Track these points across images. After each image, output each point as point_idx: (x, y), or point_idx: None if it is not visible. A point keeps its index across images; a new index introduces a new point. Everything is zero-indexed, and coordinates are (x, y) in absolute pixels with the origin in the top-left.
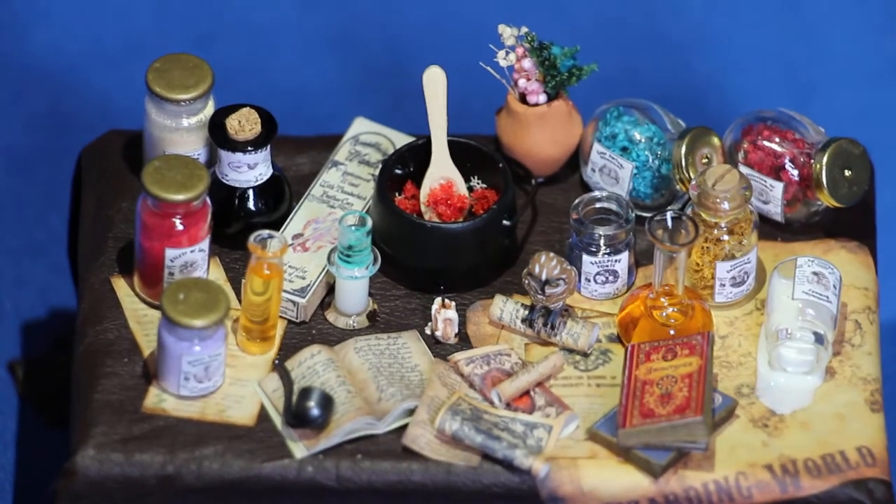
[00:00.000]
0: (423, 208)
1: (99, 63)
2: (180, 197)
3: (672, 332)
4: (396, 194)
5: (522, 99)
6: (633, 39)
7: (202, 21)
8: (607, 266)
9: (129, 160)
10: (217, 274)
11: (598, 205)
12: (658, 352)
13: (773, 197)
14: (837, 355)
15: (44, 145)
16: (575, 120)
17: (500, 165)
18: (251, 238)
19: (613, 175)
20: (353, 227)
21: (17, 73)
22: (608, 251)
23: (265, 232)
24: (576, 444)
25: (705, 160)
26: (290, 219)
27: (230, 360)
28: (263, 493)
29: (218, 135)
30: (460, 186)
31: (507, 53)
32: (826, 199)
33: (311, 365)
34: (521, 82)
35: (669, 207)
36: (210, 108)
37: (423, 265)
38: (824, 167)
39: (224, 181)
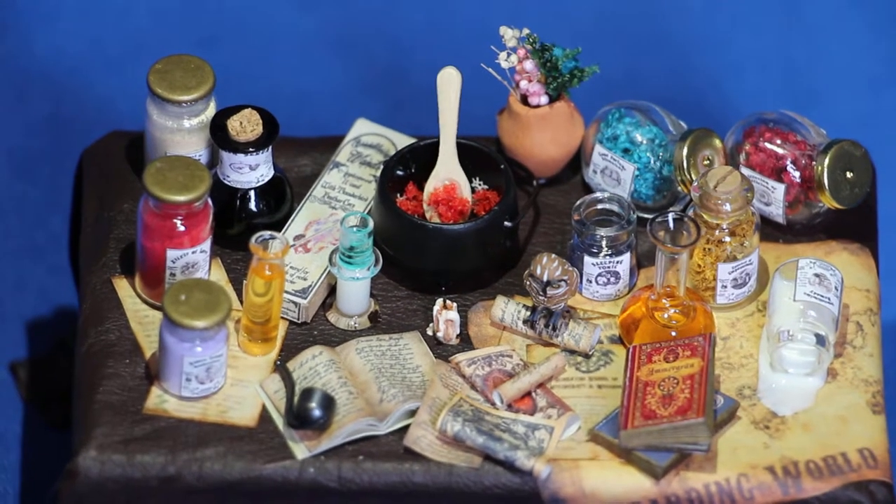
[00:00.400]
0: (425, 206)
1: (100, 64)
2: (182, 198)
3: (674, 334)
4: (398, 195)
5: (524, 100)
6: (634, 41)
7: (204, 23)
8: (609, 267)
9: (131, 161)
10: (218, 275)
11: (599, 206)
12: (660, 353)
13: (774, 199)
14: (839, 357)
15: (45, 147)
16: (576, 121)
17: (502, 167)
18: (253, 239)
19: (615, 176)
20: (354, 228)
21: (19, 75)
22: (610, 252)
23: (267, 233)
24: (577, 445)
25: (707, 162)
26: (292, 220)
27: (232, 361)
28: (265, 494)
29: (219, 136)
30: (463, 189)
31: (509, 55)
32: (828, 201)
33: (313, 366)
34: (523, 84)
35: (671, 209)
36: (211, 110)
37: (425, 266)
38: (826, 169)
39: (225, 182)
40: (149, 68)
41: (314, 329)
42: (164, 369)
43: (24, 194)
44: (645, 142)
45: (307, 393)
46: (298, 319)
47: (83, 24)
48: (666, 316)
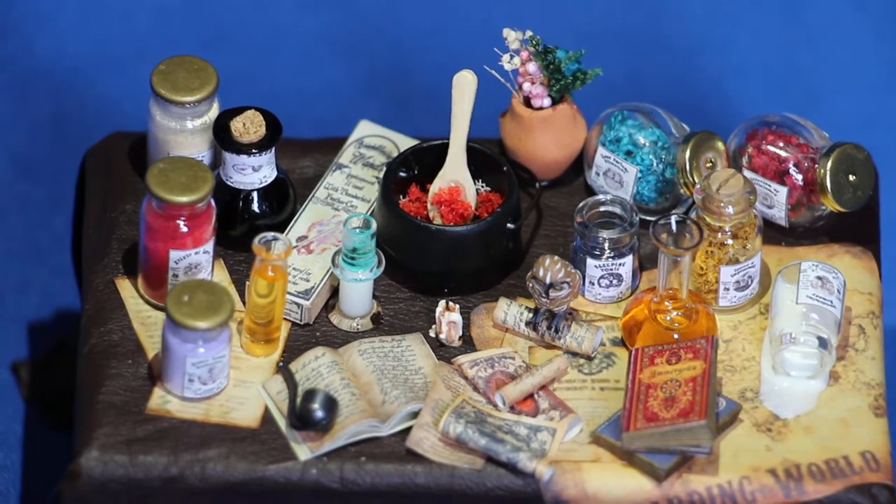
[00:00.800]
0: (428, 206)
1: (103, 65)
2: (185, 199)
3: (676, 336)
4: (401, 197)
5: (527, 102)
6: (637, 43)
7: (207, 23)
8: (611, 269)
9: (134, 162)
10: (221, 276)
11: (602, 208)
12: (662, 355)
13: (777, 201)
14: (841, 360)
15: (48, 147)
16: (579, 124)
17: (505, 169)
18: (255, 240)
19: (618, 179)
20: (357, 230)
21: (22, 76)
22: (612, 255)
23: (269, 234)
24: (579, 447)
25: (710, 164)
26: (295, 221)
27: (234, 362)
28: (267, 495)
29: (222, 137)
30: (468, 193)
31: (512, 57)
32: (830, 204)
33: (316, 367)
34: (526, 86)
35: (674, 211)
36: (215, 111)
37: (428, 268)
38: (828, 172)
39: (228, 183)
40: (152, 69)
41: (317, 330)
42: (166, 370)
43: (26, 195)
44: (648, 144)
45: (310, 394)
46: (301, 321)
47: (86, 25)
48: (668, 318)
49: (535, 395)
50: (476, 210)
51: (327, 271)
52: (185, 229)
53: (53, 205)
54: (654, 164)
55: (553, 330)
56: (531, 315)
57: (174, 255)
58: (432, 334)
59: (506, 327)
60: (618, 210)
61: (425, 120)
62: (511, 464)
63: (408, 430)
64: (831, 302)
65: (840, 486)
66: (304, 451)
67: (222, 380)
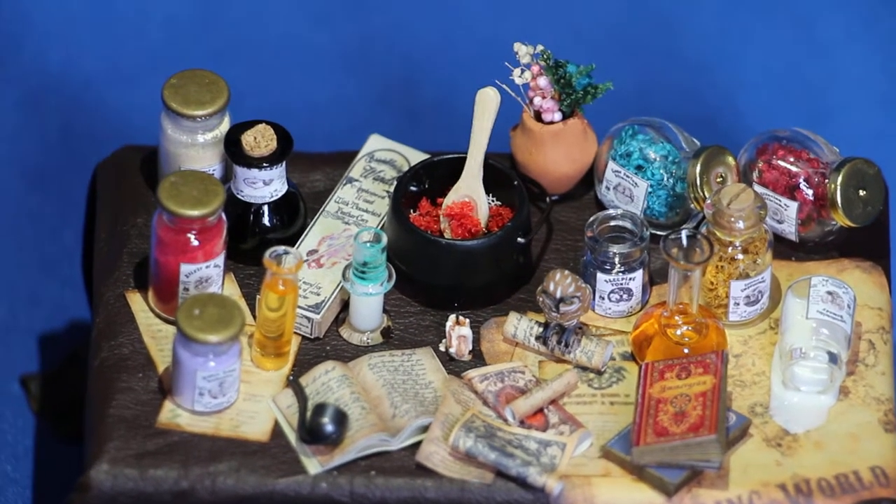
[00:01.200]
0: (441, 218)
1: (114, 79)
2: (196, 212)
3: (686, 351)
4: (411, 211)
5: (538, 117)
6: (648, 58)
7: (218, 38)
8: (622, 284)
9: (145, 175)
10: (232, 289)
11: (612, 223)
12: (672, 370)
13: (787, 216)
14: (851, 375)
15: (59, 161)
16: (590, 138)
17: (515, 183)
18: (266, 254)
19: (628, 193)
20: (368, 244)
21: (34, 90)
22: (623, 269)
23: (280, 248)
24: (589, 461)
25: (720, 179)
26: (305, 235)
27: (245, 376)
28: None
29: (233, 151)
30: (479, 209)
31: (523, 71)
32: (840, 219)
33: (326, 381)
34: (537, 100)
35: (684, 226)
36: (226, 124)
37: (438, 282)
38: (839, 187)
39: (239, 197)
40: (163, 83)
41: (327, 344)
42: (177, 384)
43: (37, 208)
44: (658, 159)
45: (320, 408)
46: (311, 335)
47: (97, 39)
48: (678, 333)
49: (545, 410)
50: (486, 224)
51: (338, 285)
52: (195, 243)
53: (64, 218)
54: (665, 179)
55: (563, 344)
56: (541, 329)
57: (185, 268)
58: (442, 348)
59: (516, 342)
60: (628, 225)
61: (436, 134)
62: (521, 478)
63: (418, 445)
64: (841, 317)
65: (850, 502)
66: (314, 465)
67: (233, 393)
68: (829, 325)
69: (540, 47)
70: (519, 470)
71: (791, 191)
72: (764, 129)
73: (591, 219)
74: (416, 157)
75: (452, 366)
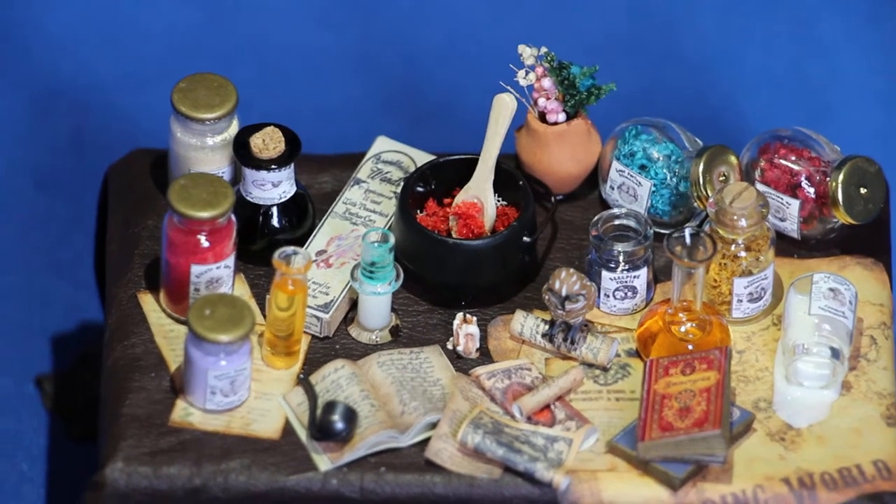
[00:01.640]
0: (450, 216)
1: (124, 83)
2: (206, 214)
3: (690, 347)
4: (418, 211)
5: (542, 118)
6: (651, 59)
7: (227, 42)
8: (626, 282)
9: (155, 178)
10: (242, 290)
11: (616, 222)
12: (676, 366)
13: (789, 214)
14: (853, 370)
15: (71, 164)
16: (594, 138)
17: (521, 183)
18: (275, 254)
19: (632, 192)
20: (375, 244)
21: (45, 95)
22: (627, 267)
23: (289, 248)
24: (596, 457)
25: (723, 178)
26: (314, 235)
27: (255, 375)
28: None
29: (242, 153)
30: (486, 211)
31: (527, 73)
32: (842, 217)
33: (335, 379)
34: (541, 101)
35: (688, 224)
36: (234, 127)
37: (445, 281)
38: (840, 185)
39: (248, 199)
40: (173, 87)
41: (336, 343)
42: (189, 383)
43: (50, 211)
44: (661, 158)
45: (330, 406)
46: (321, 333)
47: (108, 44)
48: (683, 330)
49: (552, 406)
50: (492, 226)
51: (346, 285)
52: (206, 244)
53: (76, 221)
54: (668, 178)
55: (569, 341)
56: (547, 327)
57: (195, 269)
58: (450, 346)
59: (522, 339)
60: (632, 223)
61: (442, 136)
62: (528, 473)
63: (426, 441)
64: (843, 313)
65: (852, 495)
66: (324, 461)
67: (244, 392)
68: (832, 321)
69: (544, 49)
70: (526, 465)
71: (793, 189)
72: (766, 128)
73: (596, 218)
74: (423, 158)
75: (460, 363)
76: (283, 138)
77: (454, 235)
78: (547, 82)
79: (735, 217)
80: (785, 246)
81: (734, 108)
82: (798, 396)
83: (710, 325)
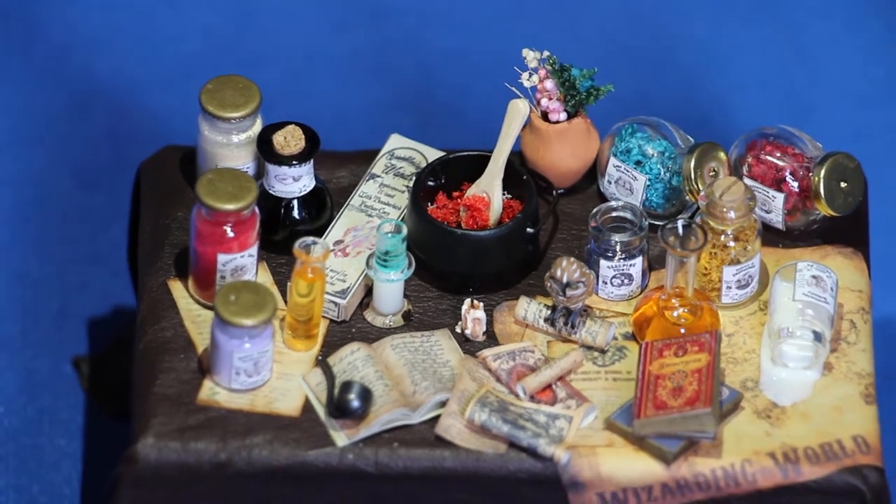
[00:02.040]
0: (461, 207)
1: (156, 84)
2: (231, 207)
3: (682, 331)
4: (429, 204)
5: (545, 117)
6: (646, 63)
7: (251, 47)
8: (623, 270)
9: (184, 173)
10: (265, 277)
11: (614, 214)
12: (670, 349)
13: (774, 207)
14: (834, 352)
15: (106, 160)
16: (593, 136)
17: (524, 178)
18: (296, 244)
19: (628, 186)
20: (389, 235)
21: (82, 94)
22: (623, 256)
23: (309, 239)
24: (594, 433)
25: (713, 173)
26: (332, 227)
27: (277, 357)
28: (308, 478)
29: (265, 150)
30: (492, 206)
31: (531, 75)
32: (824, 209)
33: (352, 360)
34: (544, 101)
35: (680, 216)
36: (258, 126)
37: (454, 269)
38: (822, 179)
39: (271, 192)
40: (201, 88)
41: (352, 327)
42: (215, 364)
43: (87, 204)
44: (656, 155)
45: (346, 385)
46: (338, 318)
47: (141, 48)
48: (675, 314)
49: (554, 386)
50: (498, 219)
51: (362, 272)
52: (231, 234)
53: (111, 213)
54: (662, 173)
55: (569, 325)
56: (549, 312)
57: (222, 258)
58: (458, 330)
59: (526, 323)
60: (628, 215)
61: (451, 133)
62: (531, 449)
63: (436, 418)
64: (825, 299)
65: (834, 468)
66: (341, 437)
67: (266, 372)
68: (814, 306)
69: (546, 53)
70: (530, 441)
71: (778, 183)
72: (753, 126)
73: (595, 210)
74: (433, 154)
75: (468, 346)
76: (303, 136)
77: (463, 225)
78: (549, 84)
79: (724, 209)
80: (770, 236)
81: (723, 108)
82: (783, 377)
83: (701, 310)
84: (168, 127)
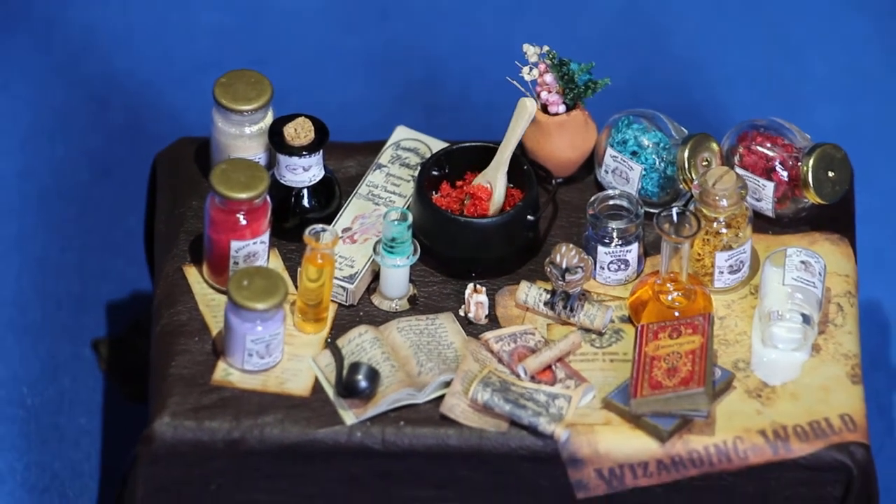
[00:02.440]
0: (466, 193)
1: (171, 79)
2: (244, 195)
3: (677, 314)
4: (434, 193)
5: (544, 109)
6: (641, 58)
7: (263, 42)
8: (619, 256)
9: (199, 164)
10: (276, 263)
11: (611, 202)
12: (664, 331)
13: (765, 195)
14: (822, 334)
15: (124, 151)
16: (590, 127)
17: (525, 167)
18: (306, 231)
19: (624, 176)
20: (395, 222)
21: (101, 89)
22: (620, 243)
23: (318, 226)
24: (592, 412)
25: (705, 163)
26: (340, 214)
27: (288, 339)
28: (318, 455)
29: (276, 141)
30: (494, 196)
31: (531, 69)
32: (812, 197)
33: (360, 343)
34: (543, 94)
35: (674, 204)
36: (269, 118)
37: (458, 255)
38: (810, 169)
39: (282, 182)
40: (214, 81)
41: (360, 310)
42: (228, 346)
43: (105, 194)
44: (651, 145)
45: (354, 366)
46: (346, 302)
47: (157, 44)
48: (670, 298)
49: (553, 367)
50: (499, 209)
51: (369, 258)
52: (244, 222)
53: (129, 203)
54: (657, 163)
55: (568, 309)
56: (549, 296)
57: (234, 245)
58: (462, 313)
59: (526, 307)
60: (625, 203)
61: (455, 125)
62: (532, 427)
63: (441, 398)
64: (813, 283)
65: (822, 445)
66: (349, 416)
67: (277, 354)
68: (803, 290)
69: (546, 48)
70: (530, 420)
71: (768, 173)
72: (744, 118)
73: (592, 198)
74: (438, 145)
75: (471, 329)
76: (312, 128)
77: (465, 212)
78: (549, 77)
79: (717, 198)
80: (761, 223)
81: (716, 101)
82: (773, 357)
83: (695, 294)
84: (182, 120)
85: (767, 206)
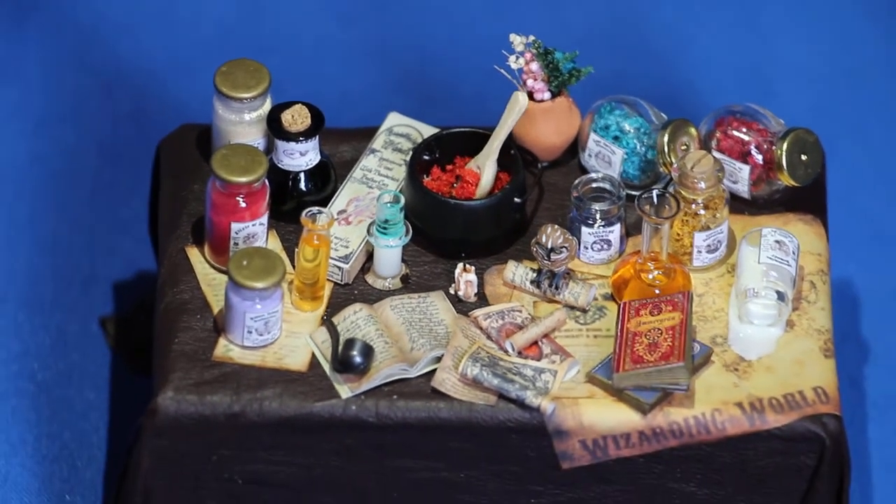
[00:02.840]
0: (457, 174)
1: (175, 67)
2: (243, 179)
3: (657, 292)
4: (425, 176)
5: (530, 96)
6: (623, 46)
7: (262, 33)
8: (602, 236)
9: (200, 149)
10: (274, 244)
11: (594, 185)
12: (646, 308)
13: (741, 178)
14: (796, 310)
15: (129, 137)
16: (574, 113)
17: (512, 152)
18: (303, 213)
19: (607, 160)
20: (388, 204)
21: (107, 77)
22: (603, 224)
23: (315, 208)
24: (577, 386)
25: (684, 147)
26: (336, 197)
27: (286, 316)
28: (315, 427)
29: (275, 127)
30: (482, 182)
31: (518, 58)
32: (786, 180)
33: (354, 320)
34: (529, 82)
35: (654, 186)
36: (268, 105)
37: (448, 236)
38: (784, 153)
39: (280, 166)
40: (216, 70)
41: (355, 289)
42: (229, 323)
43: (112, 177)
44: (632, 130)
45: (349, 343)
46: (342, 281)
47: (161, 34)
48: (651, 277)
49: (539, 342)
50: (486, 193)
51: (363, 239)
52: (243, 205)
53: (134, 186)
54: (638, 147)
55: (554, 287)
56: (535, 275)
57: (235, 226)
58: (452, 292)
59: (514, 285)
60: (607, 186)
61: (445, 112)
62: (519, 400)
63: (432, 373)
64: (787, 262)
65: (796, 417)
66: (345, 390)
67: (276, 331)
68: (778, 268)
69: (532, 38)
70: (518, 393)
71: (744, 156)
72: (720, 104)
73: (576, 181)
74: (429, 131)
75: (461, 306)
76: (309, 114)
77: (454, 194)
78: (534, 66)
79: (695, 180)
80: (737, 205)
81: (693, 87)
82: (749, 333)
83: (674, 272)
84: (185, 107)
85: (743, 189)
